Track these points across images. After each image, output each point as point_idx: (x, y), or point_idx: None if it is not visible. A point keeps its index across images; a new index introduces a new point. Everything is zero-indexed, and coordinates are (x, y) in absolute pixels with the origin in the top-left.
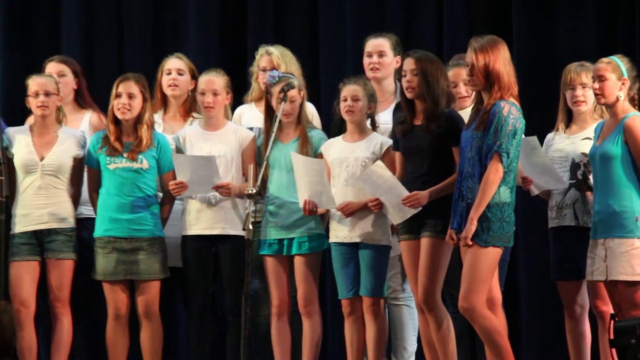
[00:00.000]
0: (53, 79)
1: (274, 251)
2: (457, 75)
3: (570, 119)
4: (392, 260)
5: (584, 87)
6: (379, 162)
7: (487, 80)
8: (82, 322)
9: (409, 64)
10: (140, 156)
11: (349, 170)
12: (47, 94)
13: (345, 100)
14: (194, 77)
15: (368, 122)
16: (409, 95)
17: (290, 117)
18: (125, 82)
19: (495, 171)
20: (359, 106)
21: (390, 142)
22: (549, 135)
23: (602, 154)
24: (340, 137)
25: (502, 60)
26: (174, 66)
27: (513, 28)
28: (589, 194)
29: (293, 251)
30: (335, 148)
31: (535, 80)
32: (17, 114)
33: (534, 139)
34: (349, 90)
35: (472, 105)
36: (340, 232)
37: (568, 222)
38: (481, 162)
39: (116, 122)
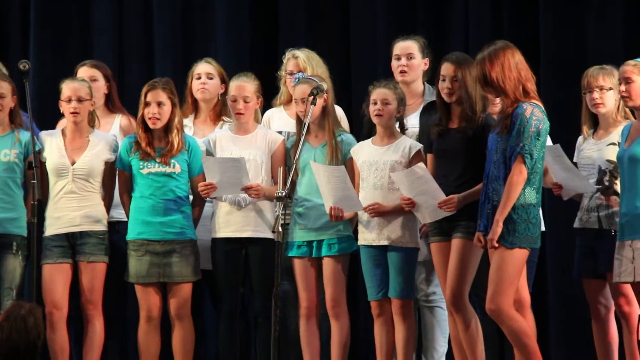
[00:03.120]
0: (87, 84)
1: (303, 253)
2: None
3: (596, 122)
4: (421, 264)
5: (601, 90)
6: (421, 164)
7: (493, 89)
8: (113, 325)
9: (448, 69)
10: (172, 160)
11: (377, 173)
12: (79, 100)
13: (375, 103)
14: (224, 81)
15: (397, 126)
16: (447, 99)
17: (307, 118)
18: (154, 91)
19: (519, 172)
20: (389, 110)
21: (419, 145)
22: (579, 139)
23: (630, 156)
24: (370, 140)
25: (500, 68)
26: (204, 70)
27: (540, 30)
28: (613, 199)
29: (322, 253)
30: (364, 151)
31: (563, 83)
32: (49, 117)
33: (557, 147)
34: (379, 93)
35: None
36: (369, 235)
37: (592, 225)
38: (506, 164)
39: (146, 129)
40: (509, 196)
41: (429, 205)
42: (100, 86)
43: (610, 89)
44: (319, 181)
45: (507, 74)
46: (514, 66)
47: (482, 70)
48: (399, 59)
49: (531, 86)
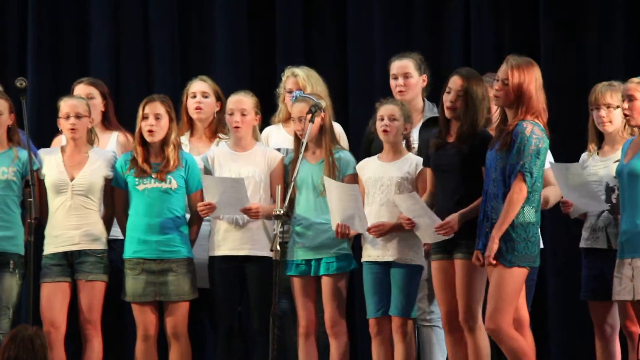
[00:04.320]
0: (84, 101)
1: (301, 272)
2: None
3: (601, 139)
4: (421, 282)
5: (608, 107)
6: (415, 194)
7: (517, 98)
8: (110, 343)
9: (456, 83)
10: (169, 176)
11: (383, 189)
12: (77, 116)
13: (382, 119)
14: (219, 99)
15: (403, 143)
16: (448, 114)
17: (305, 137)
18: (152, 104)
19: (519, 191)
20: (396, 126)
21: None
22: (583, 156)
23: (629, 172)
24: (376, 156)
25: (535, 84)
26: (199, 89)
27: (541, 47)
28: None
29: (321, 272)
30: (370, 167)
31: (564, 100)
32: (46, 135)
33: (576, 166)
34: (386, 110)
35: (496, 125)
36: (373, 252)
37: (600, 245)
38: (505, 182)
39: (143, 143)
40: (507, 214)
41: (428, 227)
42: (97, 103)
43: (618, 106)
44: (329, 197)
45: (538, 93)
46: (540, 86)
47: (520, 79)
48: (396, 78)
49: (544, 111)
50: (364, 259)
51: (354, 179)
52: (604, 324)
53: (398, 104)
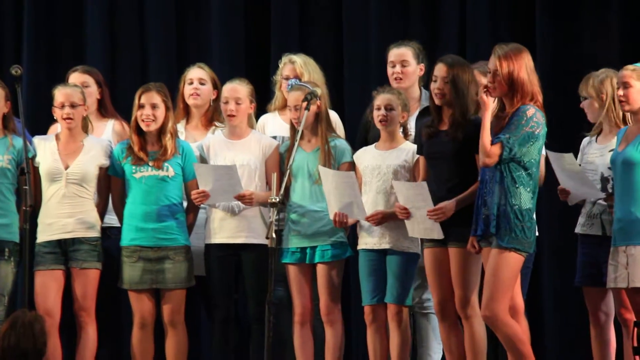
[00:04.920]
0: (79, 89)
1: (297, 259)
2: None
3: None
4: (416, 271)
5: (626, 87)
6: (424, 184)
7: (510, 87)
8: (105, 331)
9: (441, 70)
10: (166, 164)
11: (380, 177)
12: (72, 105)
13: (379, 109)
14: (216, 87)
15: (400, 131)
16: (437, 101)
17: (301, 125)
18: (148, 93)
19: (488, 155)
20: (393, 115)
21: None
22: (584, 142)
23: (624, 160)
24: (373, 145)
25: (525, 69)
26: (196, 76)
27: (536, 35)
28: None
29: (316, 259)
30: (367, 156)
31: (559, 87)
32: (42, 124)
33: (571, 156)
34: (383, 99)
35: (495, 114)
36: (370, 239)
37: (595, 232)
38: (501, 168)
39: (139, 132)
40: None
41: (422, 222)
42: (93, 92)
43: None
44: (325, 186)
45: (531, 77)
46: (532, 70)
47: (509, 68)
48: (393, 66)
49: (539, 93)
50: (360, 247)
51: (350, 166)
52: (598, 311)
53: (395, 93)
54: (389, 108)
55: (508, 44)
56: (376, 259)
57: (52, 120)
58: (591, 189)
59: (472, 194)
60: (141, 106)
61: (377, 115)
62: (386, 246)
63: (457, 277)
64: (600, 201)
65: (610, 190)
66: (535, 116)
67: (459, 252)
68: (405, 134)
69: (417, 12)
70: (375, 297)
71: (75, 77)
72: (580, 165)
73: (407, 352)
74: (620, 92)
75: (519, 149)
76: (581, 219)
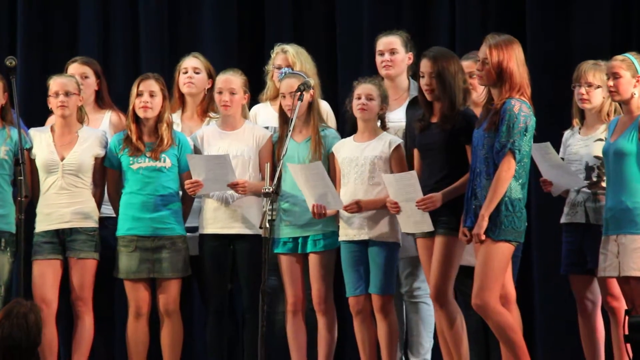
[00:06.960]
0: (74, 79)
1: (289, 249)
2: (468, 68)
3: (584, 117)
4: (406, 260)
5: (589, 86)
6: (414, 172)
7: (499, 77)
8: (101, 321)
9: (426, 65)
10: (162, 155)
11: (358, 169)
12: (67, 94)
13: (359, 98)
14: (211, 76)
15: (378, 123)
16: (428, 97)
17: (294, 114)
18: (146, 81)
19: (507, 169)
20: (372, 105)
21: (398, 140)
22: (566, 133)
23: (615, 150)
24: (351, 137)
25: (515, 60)
26: (191, 65)
27: (526, 26)
28: (601, 194)
29: (308, 249)
30: (345, 148)
31: (549, 78)
32: (37, 115)
33: (547, 145)
34: (364, 89)
35: (483, 104)
36: (350, 231)
37: (579, 220)
38: (493, 160)
39: (137, 121)
40: (496, 191)
41: (413, 215)
42: (91, 83)
43: (599, 87)
44: (297, 181)
45: (520, 69)
46: (522, 62)
47: (499, 57)
48: (382, 54)
49: (528, 86)
50: (341, 238)
51: None
52: (585, 299)
53: (376, 84)
54: (369, 98)
55: (500, 34)
56: (358, 250)
57: (46, 112)
58: (573, 177)
59: (462, 185)
60: (139, 94)
61: (356, 104)
62: (365, 237)
63: (436, 264)
64: (585, 189)
65: (594, 179)
66: (522, 109)
67: (444, 240)
68: (384, 126)
69: (409, 2)
70: (359, 288)
71: (74, 68)
72: (563, 159)
73: (395, 342)
74: (611, 83)
75: (523, 145)
76: (565, 209)
